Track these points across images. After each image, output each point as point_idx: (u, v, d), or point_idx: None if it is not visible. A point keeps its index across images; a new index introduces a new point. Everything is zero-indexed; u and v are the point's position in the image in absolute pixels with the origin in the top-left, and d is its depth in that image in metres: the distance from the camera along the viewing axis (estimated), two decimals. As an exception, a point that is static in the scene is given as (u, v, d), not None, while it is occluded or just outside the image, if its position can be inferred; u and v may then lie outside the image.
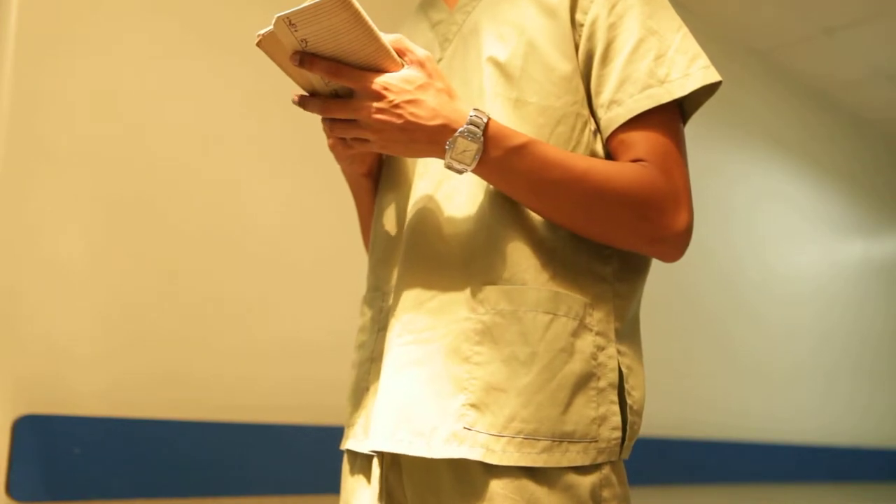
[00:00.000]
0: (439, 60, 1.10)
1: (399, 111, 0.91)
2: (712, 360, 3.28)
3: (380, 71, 0.91)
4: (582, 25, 1.01)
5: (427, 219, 1.02)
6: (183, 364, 1.83)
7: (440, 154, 0.93)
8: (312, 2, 0.85)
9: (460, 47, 1.08)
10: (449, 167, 0.93)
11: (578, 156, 0.96)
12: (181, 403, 1.81)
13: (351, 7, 0.85)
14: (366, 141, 0.95)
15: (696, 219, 0.99)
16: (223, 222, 1.94)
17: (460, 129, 0.91)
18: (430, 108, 0.91)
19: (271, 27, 0.88)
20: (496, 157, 0.92)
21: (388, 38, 0.92)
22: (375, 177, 1.17)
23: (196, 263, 1.88)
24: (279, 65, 0.93)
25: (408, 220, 1.04)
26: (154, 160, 1.84)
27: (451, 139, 0.91)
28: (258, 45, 0.90)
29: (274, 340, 1.97)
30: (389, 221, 1.10)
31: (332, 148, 1.06)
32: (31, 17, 1.71)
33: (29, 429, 1.60)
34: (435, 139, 0.92)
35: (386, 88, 0.90)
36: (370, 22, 0.88)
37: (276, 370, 1.96)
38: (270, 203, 2.03)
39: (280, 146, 2.05)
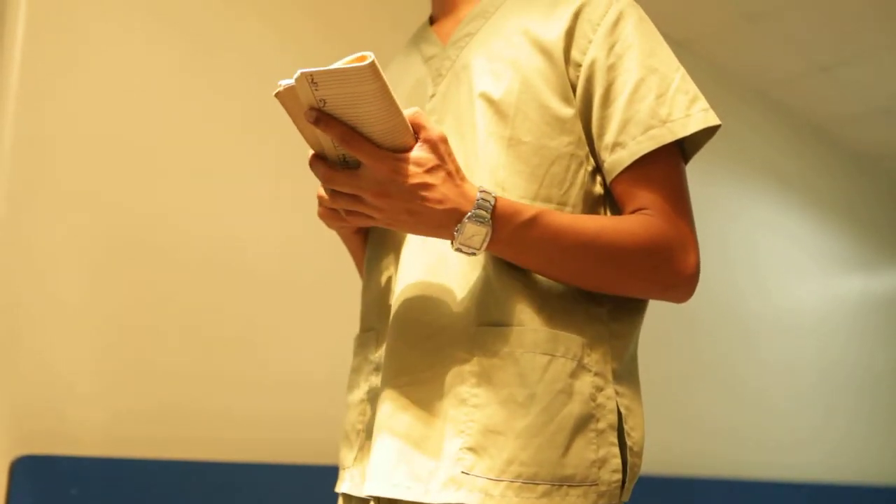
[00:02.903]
0: (432, 96, 1.08)
1: (407, 195, 0.88)
2: (713, 393, 3.26)
3: (394, 146, 0.88)
4: (580, 66, 1.00)
5: (421, 259, 1.01)
6: (183, 401, 1.82)
7: (448, 237, 0.91)
8: (341, 65, 0.82)
9: (453, 83, 1.07)
10: (458, 251, 0.91)
11: (587, 218, 0.95)
12: (178, 443, 1.80)
13: (380, 80, 0.82)
14: (368, 217, 0.93)
15: (696, 252, 0.99)
16: (224, 258, 1.94)
17: (469, 214, 0.89)
18: (439, 193, 0.88)
19: (293, 81, 0.85)
20: (506, 234, 0.91)
21: (406, 112, 0.89)
22: (365, 231, 1.16)
23: (197, 298, 1.88)
24: (293, 119, 0.90)
25: (402, 260, 1.03)
26: (153, 195, 1.85)
27: (459, 225, 0.89)
28: (276, 95, 0.88)
29: (275, 376, 1.97)
30: (384, 261, 1.09)
31: (322, 217, 1.03)
32: (33, 55, 1.73)
33: (27, 469, 1.59)
34: (443, 224, 0.90)
35: (395, 171, 0.87)
36: (394, 96, 0.85)
37: (277, 407, 1.95)
38: (270, 237, 2.03)
39: (281, 181, 2.06)
